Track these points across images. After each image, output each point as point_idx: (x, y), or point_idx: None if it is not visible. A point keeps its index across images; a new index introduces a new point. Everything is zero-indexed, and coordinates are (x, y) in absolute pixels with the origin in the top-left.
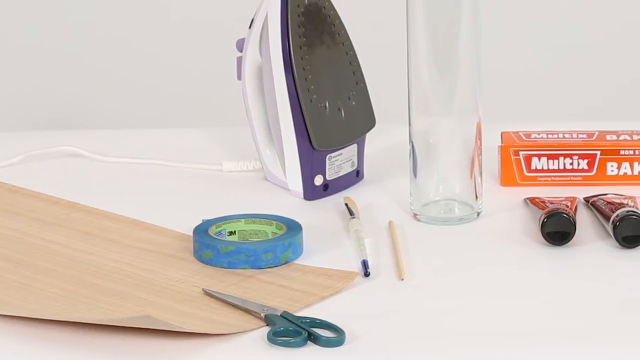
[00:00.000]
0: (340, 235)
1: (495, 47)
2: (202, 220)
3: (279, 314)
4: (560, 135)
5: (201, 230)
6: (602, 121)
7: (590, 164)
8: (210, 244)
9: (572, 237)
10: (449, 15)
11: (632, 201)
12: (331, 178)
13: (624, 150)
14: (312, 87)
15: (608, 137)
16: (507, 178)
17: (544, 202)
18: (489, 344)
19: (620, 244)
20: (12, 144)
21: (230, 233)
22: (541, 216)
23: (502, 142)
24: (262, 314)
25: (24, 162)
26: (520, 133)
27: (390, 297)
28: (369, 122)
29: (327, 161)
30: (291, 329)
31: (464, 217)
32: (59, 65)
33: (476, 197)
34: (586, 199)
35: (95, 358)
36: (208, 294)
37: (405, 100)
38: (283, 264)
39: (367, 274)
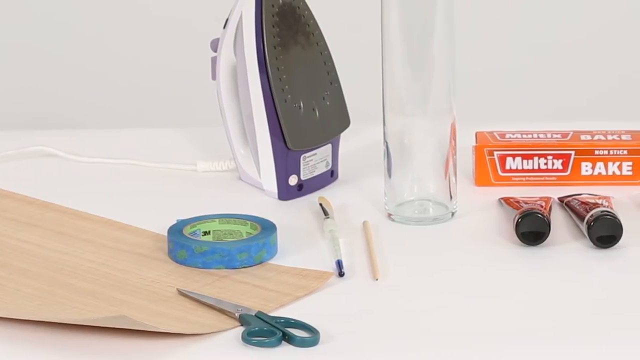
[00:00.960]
0: (315, 235)
1: (470, 47)
2: (177, 220)
3: (253, 314)
4: (535, 135)
5: (176, 231)
6: (577, 121)
7: (565, 164)
8: (185, 244)
9: (547, 237)
10: (423, 16)
11: (606, 201)
12: (305, 178)
13: (599, 150)
14: (287, 87)
15: (582, 137)
16: (482, 178)
17: (518, 202)
18: (464, 344)
19: (594, 244)
20: None
21: (205, 233)
22: (515, 216)
23: (476, 142)
24: (236, 314)
25: None
26: (495, 133)
27: (364, 297)
28: (344, 122)
29: (302, 161)
30: (266, 329)
31: (438, 217)
32: (33, 64)
33: (450, 197)
34: (561, 199)
35: (70, 358)
36: (182, 294)
37: (380, 100)
38: (257, 264)
39: (341, 274)
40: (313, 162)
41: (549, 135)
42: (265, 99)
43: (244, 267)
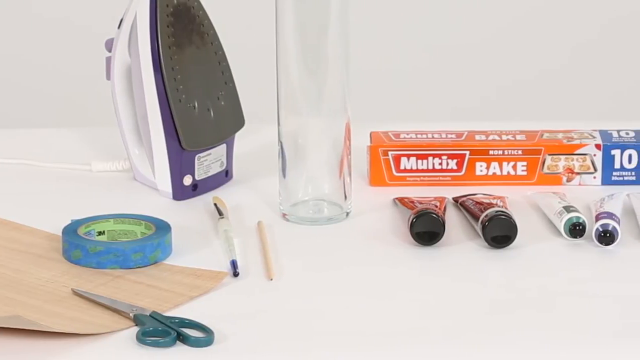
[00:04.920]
0: (209, 235)
1: (365, 47)
2: (71, 220)
3: (148, 314)
4: (430, 136)
5: (70, 231)
6: (472, 121)
7: (460, 164)
8: (79, 244)
9: (441, 237)
10: (318, 16)
11: (501, 201)
12: (200, 178)
13: (493, 150)
14: (181, 87)
15: (477, 137)
16: (376, 178)
17: (413, 202)
18: (358, 344)
19: (489, 244)
20: None
21: (100, 233)
22: (410, 216)
23: (371, 142)
24: (131, 314)
25: None
26: (390, 133)
27: (259, 297)
28: (238, 122)
29: (196, 161)
30: (160, 329)
31: (333, 217)
32: None
33: (345, 197)
34: (455, 199)
35: None
36: (77, 294)
37: (275, 101)
38: (152, 264)
39: (236, 274)
40: (208, 162)
41: (443, 136)
42: (160, 98)
43: (139, 267)
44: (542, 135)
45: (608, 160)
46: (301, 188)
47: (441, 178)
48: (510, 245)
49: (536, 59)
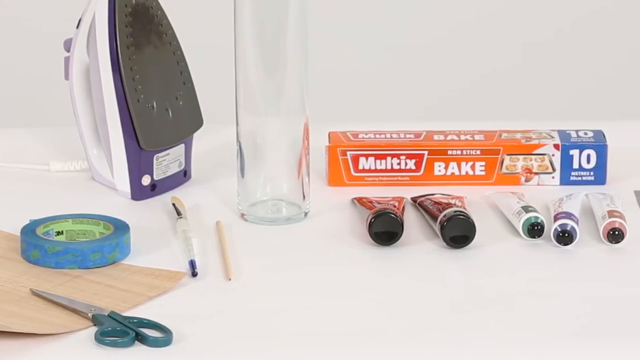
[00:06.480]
0: (168, 235)
1: (323, 47)
2: (30, 220)
3: (106, 314)
4: (388, 136)
5: (29, 230)
6: (430, 121)
7: (418, 164)
8: (38, 244)
9: (400, 237)
10: (276, 16)
11: (459, 201)
12: (159, 178)
13: (452, 150)
14: (140, 87)
15: (435, 137)
16: (335, 178)
17: (371, 202)
18: (316, 344)
19: (447, 244)
20: None
21: (58, 233)
22: (369, 216)
23: (329, 142)
24: (89, 314)
25: None
26: (348, 133)
27: (217, 297)
28: (197, 122)
29: (155, 161)
30: (118, 329)
31: (291, 217)
32: None
33: (304, 197)
34: (414, 199)
35: None
36: (35, 294)
37: (233, 101)
38: (110, 264)
39: (194, 274)
40: (166, 162)
41: (402, 136)
42: (118, 98)
43: (97, 267)
44: (500, 135)
45: (566, 161)
46: (260, 188)
47: (399, 178)
48: (469, 245)
49: (495, 58)
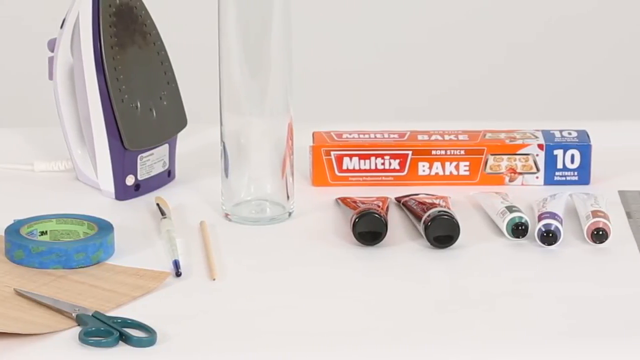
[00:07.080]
0: (152, 236)
1: (307, 47)
2: (14, 220)
3: (90, 314)
4: (372, 136)
5: (12, 230)
6: (414, 121)
7: (402, 164)
8: (22, 244)
9: (384, 237)
10: (260, 16)
11: (443, 201)
12: (143, 178)
13: (436, 150)
14: (124, 87)
15: (420, 138)
16: (319, 178)
17: (355, 202)
18: (301, 344)
19: (431, 244)
20: None
21: (42, 233)
22: (352, 216)
23: (313, 142)
24: (73, 314)
25: None
26: (332, 133)
27: (201, 297)
28: (181, 122)
29: (139, 161)
30: (103, 329)
31: (275, 217)
32: None
33: (288, 197)
34: (398, 199)
35: None
36: (19, 294)
37: (217, 100)
38: (94, 264)
39: (178, 274)
40: (150, 162)
41: (386, 136)
42: (103, 98)
43: (81, 267)
44: (484, 135)
45: (550, 161)
46: (244, 188)
47: (384, 178)
48: (453, 245)
49: (479, 59)
